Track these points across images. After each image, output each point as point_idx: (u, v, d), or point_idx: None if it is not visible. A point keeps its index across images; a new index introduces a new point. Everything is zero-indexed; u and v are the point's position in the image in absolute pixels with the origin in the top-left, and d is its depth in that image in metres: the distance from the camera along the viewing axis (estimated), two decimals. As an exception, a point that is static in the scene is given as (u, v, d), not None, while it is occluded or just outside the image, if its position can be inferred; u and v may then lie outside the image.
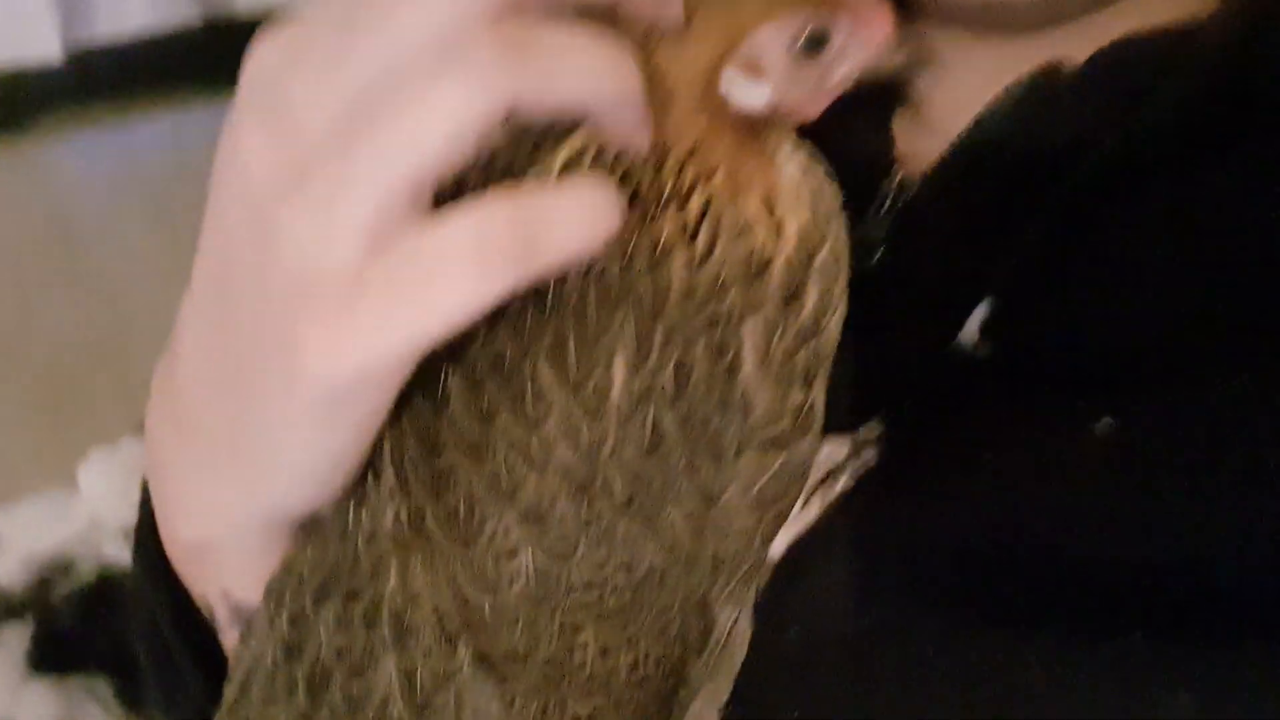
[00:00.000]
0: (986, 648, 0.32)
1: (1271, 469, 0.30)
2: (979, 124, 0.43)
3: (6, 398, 1.31)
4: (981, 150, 0.42)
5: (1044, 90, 0.42)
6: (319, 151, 0.29)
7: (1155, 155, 0.38)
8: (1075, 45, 0.43)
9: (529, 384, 0.32)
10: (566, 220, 0.29)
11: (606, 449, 0.32)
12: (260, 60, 0.31)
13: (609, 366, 0.32)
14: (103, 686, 0.64)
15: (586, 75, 0.29)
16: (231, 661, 0.38)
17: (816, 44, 0.34)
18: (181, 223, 0.40)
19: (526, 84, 0.28)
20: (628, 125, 0.31)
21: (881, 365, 0.39)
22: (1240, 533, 0.30)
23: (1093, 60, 0.41)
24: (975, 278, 0.39)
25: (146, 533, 0.43)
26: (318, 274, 0.29)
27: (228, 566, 0.38)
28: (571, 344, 0.32)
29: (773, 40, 0.34)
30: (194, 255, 0.35)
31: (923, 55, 0.36)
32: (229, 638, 0.40)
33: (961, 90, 0.47)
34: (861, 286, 0.39)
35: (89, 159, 1.37)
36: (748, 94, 0.34)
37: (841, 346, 0.36)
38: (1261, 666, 0.29)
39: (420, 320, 0.29)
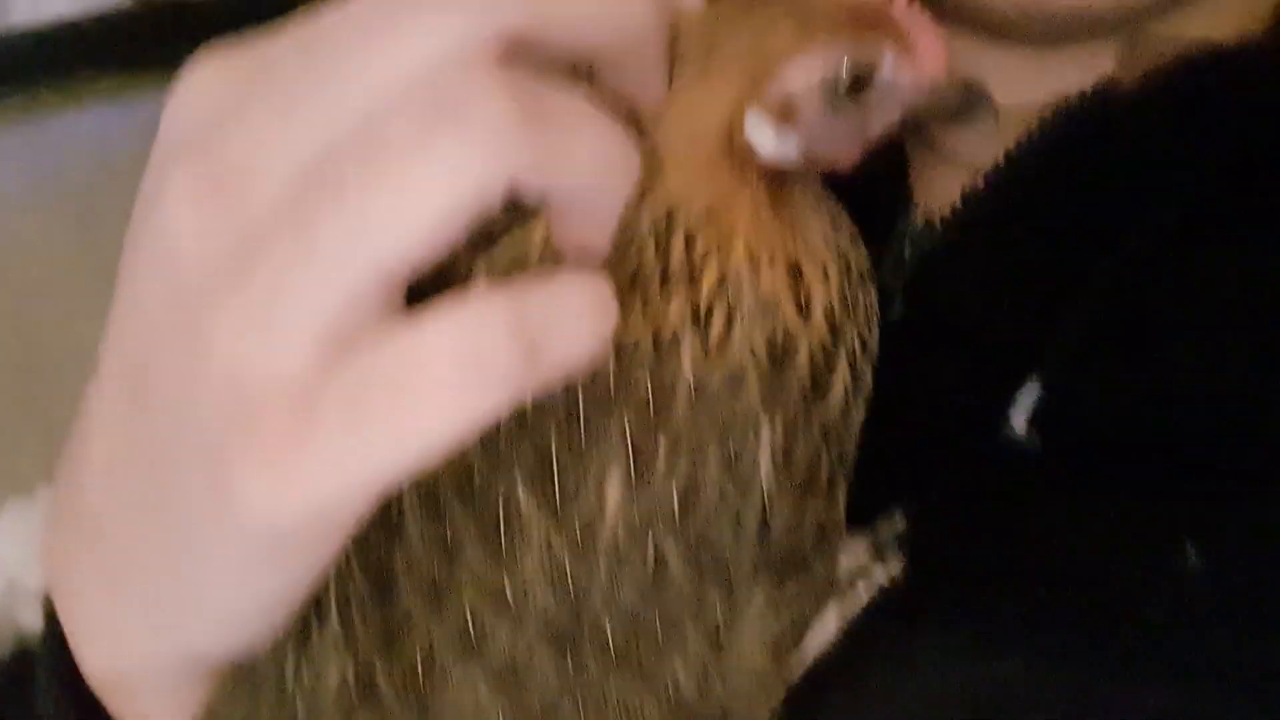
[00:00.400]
0: None
1: None
2: (1017, 154, 0.38)
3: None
4: (1021, 186, 0.37)
5: (1096, 115, 0.36)
6: (266, 229, 0.23)
7: (1240, 197, 0.33)
8: (1108, 61, 0.38)
9: (502, 510, 0.26)
10: (576, 318, 0.23)
11: (596, 591, 0.27)
12: (192, 94, 0.24)
13: (601, 488, 0.27)
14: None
15: (596, 161, 0.23)
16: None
17: (859, 81, 0.28)
18: (110, 236, 0.33)
19: (538, 159, 0.22)
20: (601, 226, 0.25)
21: (904, 445, 0.34)
22: None
23: (1150, 80, 0.36)
24: (1018, 345, 0.34)
25: (58, 656, 0.37)
26: (259, 388, 0.23)
27: (143, 706, 0.33)
28: (555, 461, 0.27)
29: (807, 77, 0.27)
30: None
31: (980, 93, 0.29)
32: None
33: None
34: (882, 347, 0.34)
35: None
36: (774, 143, 0.28)
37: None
38: None
39: (390, 452, 0.22)
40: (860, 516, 0.33)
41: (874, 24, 0.28)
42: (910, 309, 0.38)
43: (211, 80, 0.24)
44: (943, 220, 0.40)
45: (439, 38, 0.22)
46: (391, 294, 0.23)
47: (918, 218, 0.40)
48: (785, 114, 0.28)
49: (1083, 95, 0.37)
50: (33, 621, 0.51)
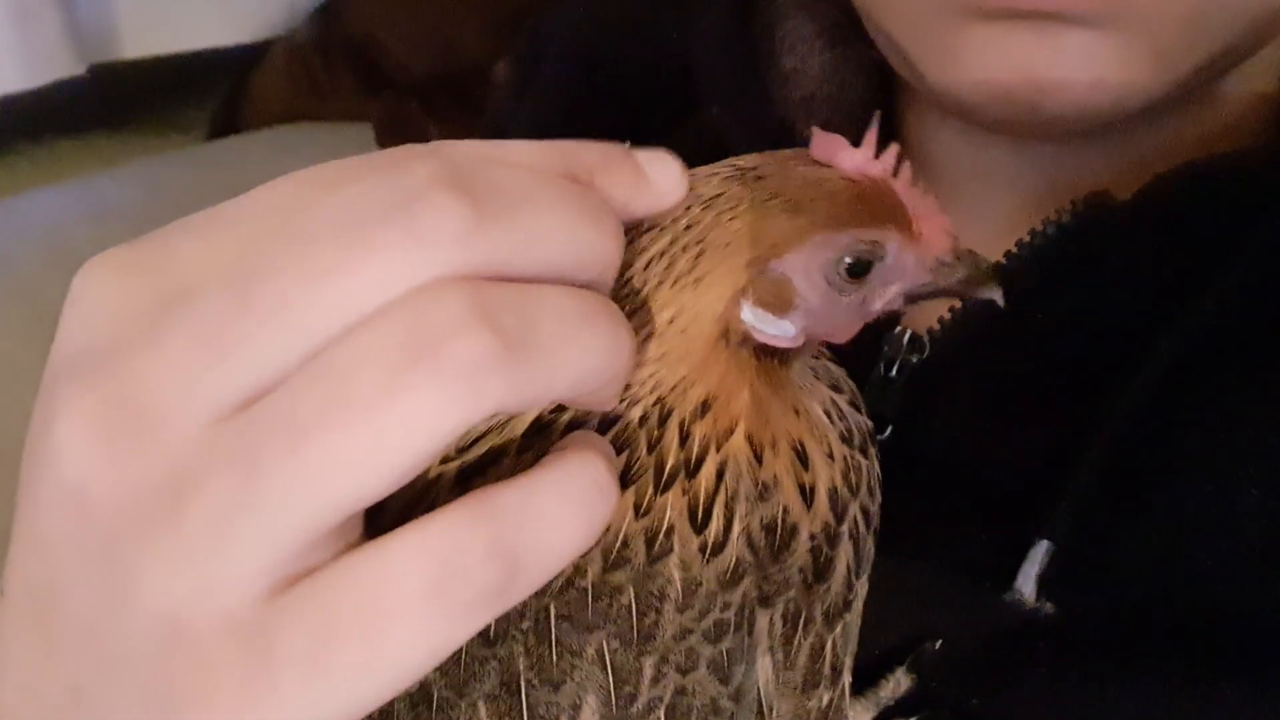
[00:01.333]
0: None
1: None
2: (1011, 265, 0.35)
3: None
4: (1016, 300, 0.35)
5: (1089, 228, 0.34)
6: (200, 468, 0.20)
7: (1248, 322, 0.31)
8: (1100, 163, 0.36)
9: None
10: (558, 524, 0.21)
11: None
12: (89, 306, 0.22)
13: (575, 718, 0.23)
14: None
15: (584, 370, 0.21)
16: None
17: (861, 268, 0.26)
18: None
19: (521, 388, 0.20)
20: (606, 401, 0.22)
21: (893, 588, 0.31)
22: None
23: (1147, 193, 0.34)
24: (1020, 491, 0.31)
25: None
26: (204, 632, 0.20)
27: None
28: (523, 688, 0.24)
29: (807, 266, 0.26)
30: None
31: (984, 273, 0.28)
32: None
33: (973, 206, 0.39)
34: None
35: None
36: (772, 330, 0.26)
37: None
38: None
39: (361, 687, 0.20)
40: (859, 672, 0.30)
41: (878, 208, 0.26)
42: (900, 435, 0.36)
43: (111, 292, 0.21)
44: (930, 333, 0.37)
45: (402, 274, 0.20)
46: (352, 525, 0.20)
47: (904, 331, 0.37)
48: (782, 300, 0.26)
49: (1075, 206, 0.35)
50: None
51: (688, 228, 0.26)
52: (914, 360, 0.37)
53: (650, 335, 0.25)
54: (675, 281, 0.25)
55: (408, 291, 0.19)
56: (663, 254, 0.25)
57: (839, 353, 0.31)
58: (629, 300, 0.25)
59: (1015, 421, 0.33)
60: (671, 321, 0.25)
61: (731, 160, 0.27)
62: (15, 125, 1.05)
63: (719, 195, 0.26)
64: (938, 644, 0.32)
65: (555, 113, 0.48)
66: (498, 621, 0.23)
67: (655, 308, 0.25)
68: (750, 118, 0.42)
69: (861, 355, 0.35)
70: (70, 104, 1.05)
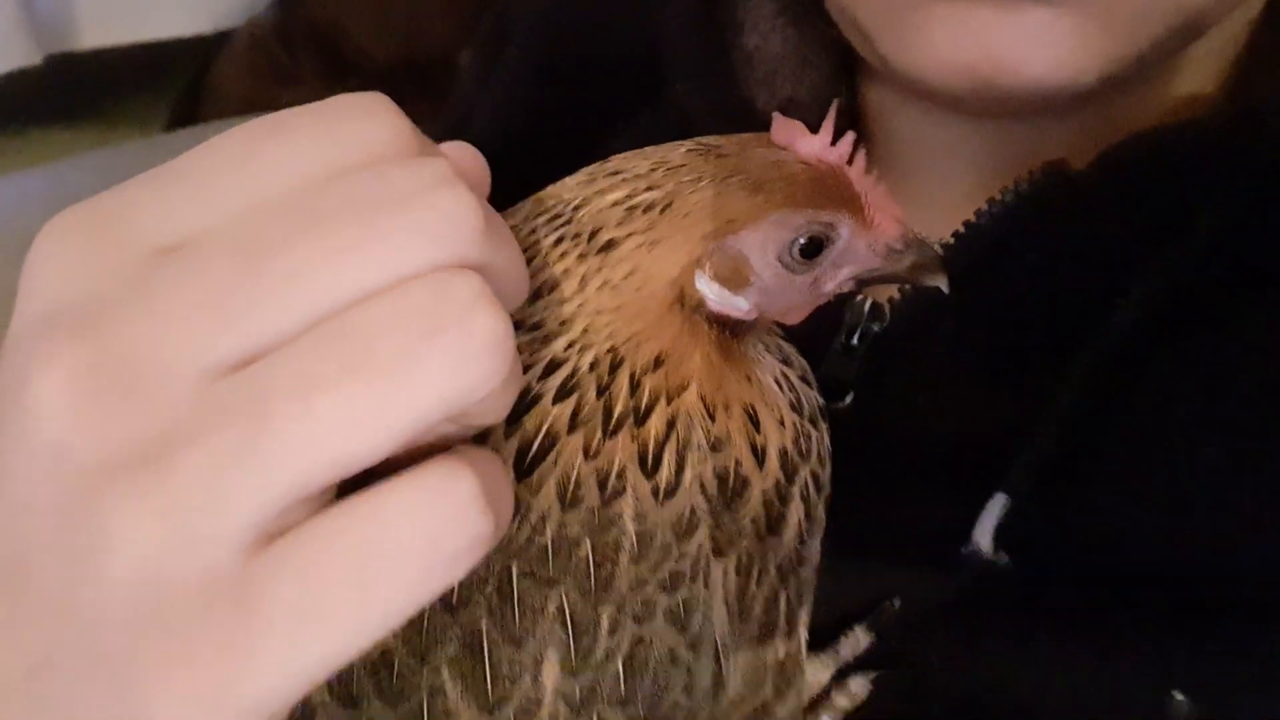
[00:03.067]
0: None
1: None
2: (967, 234, 0.36)
3: None
4: (977, 268, 0.36)
5: (1046, 196, 0.35)
6: (186, 423, 0.20)
7: (1206, 286, 0.32)
8: (1060, 138, 0.37)
9: (426, 705, 0.24)
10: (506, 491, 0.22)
11: None
12: (56, 263, 0.22)
13: (537, 672, 0.25)
14: None
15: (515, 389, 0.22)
16: None
17: (814, 249, 0.28)
18: None
19: (504, 386, 0.21)
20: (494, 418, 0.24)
21: (853, 551, 0.32)
22: None
23: (1104, 162, 0.35)
24: (978, 449, 0.33)
25: None
26: (171, 596, 0.20)
27: None
28: (486, 647, 0.25)
29: (762, 244, 0.27)
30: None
31: (931, 260, 0.29)
32: None
33: (935, 182, 0.40)
34: (832, 441, 0.32)
35: None
36: (724, 302, 0.27)
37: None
38: None
39: (330, 647, 0.20)
40: (819, 633, 0.32)
41: (832, 192, 0.27)
42: (861, 402, 0.37)
43: (79, 249, 0.22)
44: (891, 302, 0.38)
45: (425, 254, 0.21)
46: (332, 488, 0.21)
47: (865, 300, 0.38)
48: (738, 276, 0.27)
49: (1032, 176, 0.36)
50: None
51: (649, 189, 0.27)
52: (875, 329, 0.38)
53: (606, 285, 0.26)
54: (630, 237, 0.26)
55: (429, 268, 0.21)
56: (619, 204, 0.26)
57: (803, 322, 0.32)
58: (582, 240, 0.26)
59: (973, 387, 0.34)
60: (628, 277, 0.26)
61: (697, 139, 0.28)
62: None
63: (683, 166, 0.27)
64: (896, 603, 0.33)
65: (520, 95, 0.49)
66: (462, 586, 0.24)
67: (611, 261, 0.26)
68: (715, 96, 0.42)
69: (824, 324, 0.37)
70: (27, 94, 1.04)
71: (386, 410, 0.20)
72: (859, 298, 0.39)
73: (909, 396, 0.36)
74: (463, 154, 0.24)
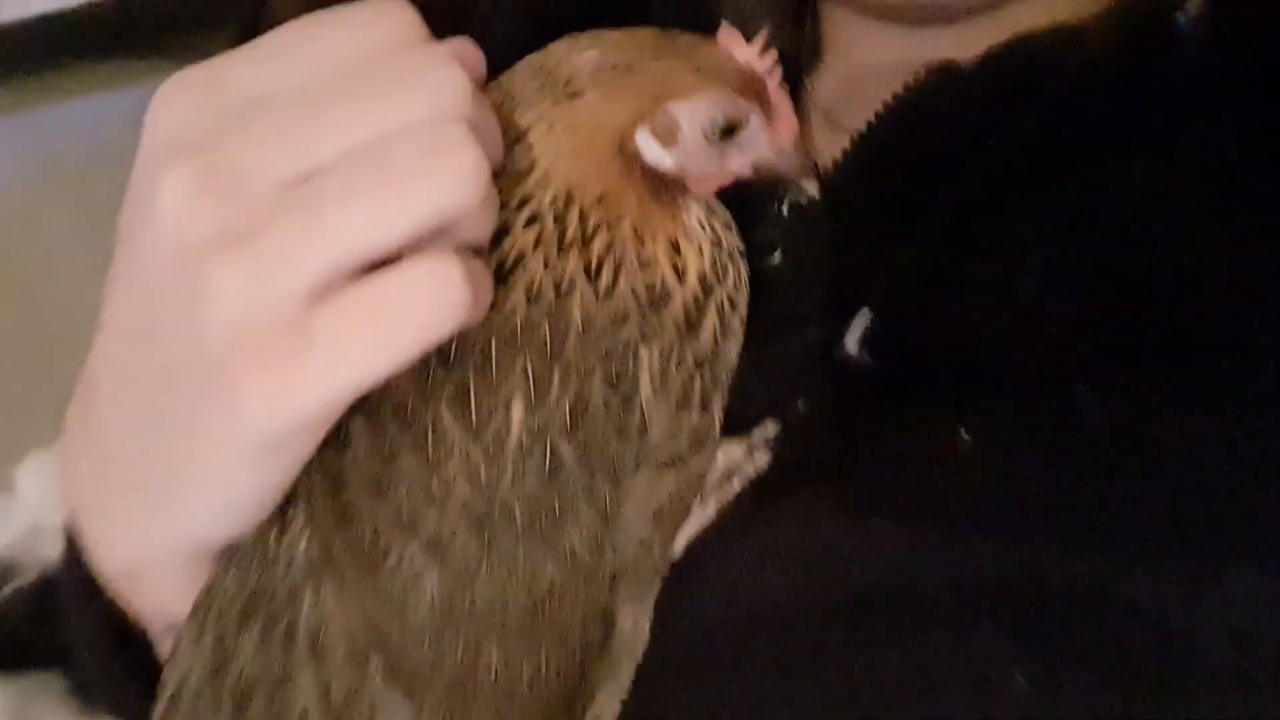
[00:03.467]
0: (851, 637, 0.35)
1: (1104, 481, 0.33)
2: (875, 125, 0.45)
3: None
4: (876, 152, 0.44)
5: (938, 90, 0.43)
6: (269, 210, 0.31)
7: (1040, 160, 0.40)
8: (975, 40, 0.44)
9: (430, 430, 0.34)
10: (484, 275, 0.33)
11: (505, 483, 0.34)
12: (179, 110, 0.32)
13: (508, 410, 0.34)
14: (55, 684, 0.65)
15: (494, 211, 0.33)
16: (162, 676, 0.40)
17: (729, 131, 0.37)
18: (105, 214, 0.40)
19: (483, 205, 0.31)
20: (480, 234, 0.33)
21: (772, 368, 0.41)
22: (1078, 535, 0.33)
23: (985, 60, 0.42)
24: (859, 283, 0.41)
25: (75, 555, 0.44)
26: (256, 326, 0.31)
27: (155, 588, 0.40)
28: (472, 392, 0.34)
29: (693, 115, 0.36)
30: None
31: (810, 170, 0.39)
32: (164, 647, 0.42)
33: (869, 87, 0.49)
34: (760, 287, 0.42)
35: (3, 147, 1.34)
36: (655, 156, 0.36)
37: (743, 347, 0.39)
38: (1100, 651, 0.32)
39: (366, 368, 0.31)
40: (741, 427, 0.41)
41: (752, 91, 0.37)
42: (785, 254, 0.46)
43: (190, 99, 0.32)
44: (820, 179, 0.47)
45: (425, 109, 0.31)
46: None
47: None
48: (669, 136, 0.36)
49: (929, 70, 0.44)
50: (53, 555, 0.59)
51: (618, 53, 0.36)
52: (801, 201, 0.46)
53: (567, 129, 0.35)
54: (595, 88, 0.35)
55: (433, 118, 0.30)
56: (591, 61, 0.35)
57: (749, 194, 0.41)
58: (557, 88, 0.35)
59: (867, 244, 0.43)
60: (585, 122, 0.35)
61: (662, 29, 0.37)
62: (61, 43, 1.15)
63: (648, 42, 0.36)
64: (801, 404, 0.42)
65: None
66: (455, 351, 0.34)
67: (576, 107, 0.35)
68: (685, 11, 0.51)
69: (762, 198, 0.45)
70: (103, 27, 1.15)
71: (399, 210, 0.30)
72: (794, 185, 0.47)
73: (816, 250, 0.45)
74: (463, 46, 0.34)
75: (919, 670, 0.33)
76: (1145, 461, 0.33)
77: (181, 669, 0.38)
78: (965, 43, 0.44)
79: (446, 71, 0.31)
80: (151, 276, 0.33)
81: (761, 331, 0.40)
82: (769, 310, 0.41)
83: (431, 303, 0.31)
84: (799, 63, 0.50)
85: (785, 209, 0.47)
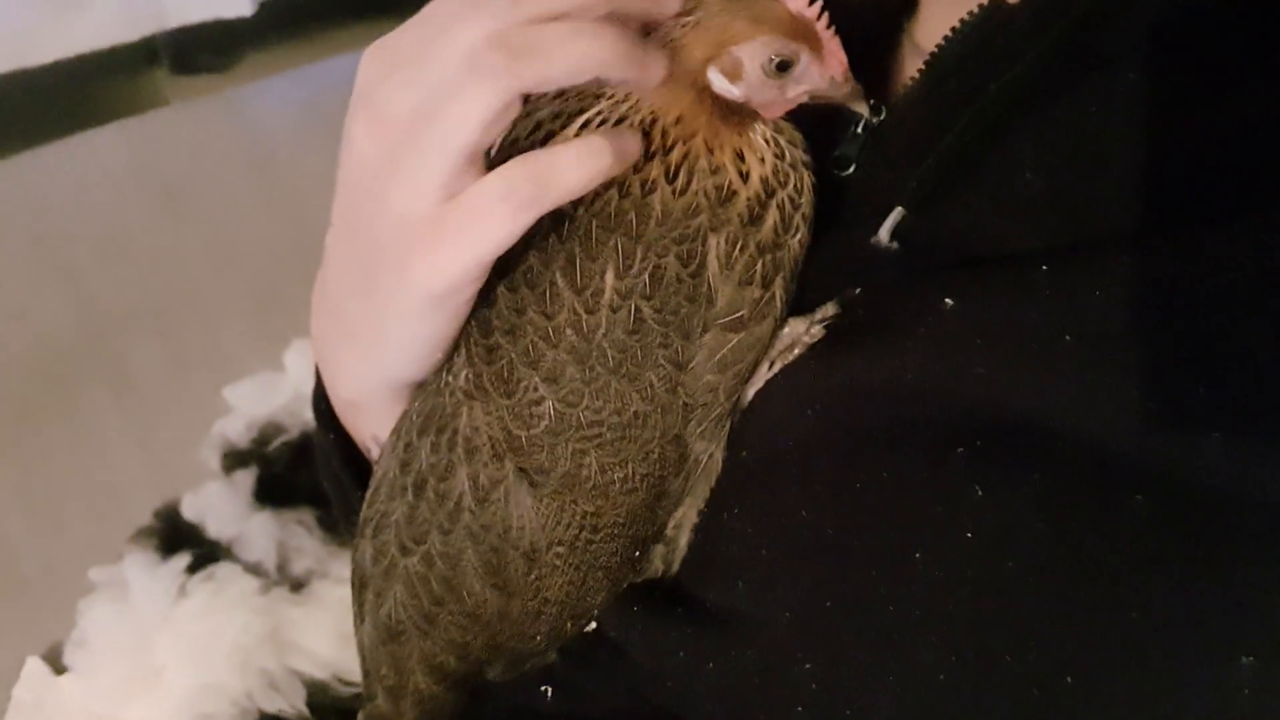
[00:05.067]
0: (853, 460, 0.44)
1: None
2: (936, 56, 0.52)
3: (226, 298, 1.59)
4: (937, 79, 0.52)
5: (987, 21, 0.50)
6: (404, 134, 0.43)
7: (1052, 73, 0.46)
8: None
9: (548, 289, 0.46)
10: (567, 168, 0.43)
11: (600, 332, 0.46)
12: (365, 71, 0.46)
13: (603, 276, 0.45)
14: (309, 515, 0.85)
15: (577, 56, 0.42)
16: (372, 474, 0.55)
17: (784, 66, 0.46)
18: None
19: (527, 79, 0.42)
20: (628, 74, 0.44)
21: (836, 260, 0.51)
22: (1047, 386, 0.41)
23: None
24: (898, 183, 0.49)
25: (320, 397, 0.61)
26: (414, 217, 0.44)
27: (370, 416, 0.56)
28: (578, 261, 0.45)
29: (752, 55, 0.46)
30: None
31: (859, 94, 0.47)
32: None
33: (946, 18, 0.56)
34: (838, 194, 0.51)
35: (280, 97, 1.63)
36: (725, 88, 0.46)
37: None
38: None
39: (482, 243, 0.43)
40: (812, 309, 0.51)
41: (803, 32, 0.46)
42: (858, 169, 0.54)
43: (372, 64, 0.45)
44: (886, 102, 0.55)
45: (466, 38, 0.42)
46: (474, 161, 0.43)
47: (873, 104, 0.55)
48: (734, 72, 0.46)
49: (982, 7, 0.51)
50: (311, 416, 0.76)
51: (694, 11, 0.45)
52: (874, 121, 0.55)
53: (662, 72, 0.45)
54: (682, 38, 0.45)
55: (472, 42, 0.41)
56: (678, 18, 0.45)
57: (832, 112, 0.50)
58: (668, 41, 0.45)
59: (908, 150, 0.51)
60: (672, 62, 0.45)
61: None
62: (326, 13, 1.38)
63: (715, 1, 0.46)
64: (857, 291, 0.51)
65: None
66: (565, 231, 0.45)
67: (669, 55, 0.45)
68: None
69: (841, 120, 0.54)
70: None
71: (464, 113, 0.42)
72: (872, 101, 0.56)
73: (882, 165, 0.53)
74: None
75: (900, 486, 0.43)
76: (1084, 321, 0.40)
77: (383, 467, 0.53)
78: None
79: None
80: (352, 189, 0.47)
81: (834, 231, 0.50)
82: (843, 215, 0.51)
83: (506, 199, 0.42)
84: (900, 8, 0.58)
85: (860, 129, 0.56)
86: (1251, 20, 0.44)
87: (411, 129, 0.43)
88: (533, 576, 0.48)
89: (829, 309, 0.51)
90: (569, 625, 0.50)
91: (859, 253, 0.51)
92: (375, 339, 0.50)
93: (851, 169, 0.54)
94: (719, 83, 0.46)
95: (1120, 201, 0.43)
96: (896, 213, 0.48)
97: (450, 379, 0.49)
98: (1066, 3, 0.47)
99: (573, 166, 0.43)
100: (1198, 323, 0.39)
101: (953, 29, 0.51)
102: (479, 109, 0.42)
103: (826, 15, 0.46)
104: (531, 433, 0.47)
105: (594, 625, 0.52)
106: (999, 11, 0.50)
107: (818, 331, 0.50)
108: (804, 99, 0.48)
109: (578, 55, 0.42)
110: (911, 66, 0.55)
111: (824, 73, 0.47)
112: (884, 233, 0.48)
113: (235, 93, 1.68)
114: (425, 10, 0.45)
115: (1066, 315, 0.41)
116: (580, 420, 0.46)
